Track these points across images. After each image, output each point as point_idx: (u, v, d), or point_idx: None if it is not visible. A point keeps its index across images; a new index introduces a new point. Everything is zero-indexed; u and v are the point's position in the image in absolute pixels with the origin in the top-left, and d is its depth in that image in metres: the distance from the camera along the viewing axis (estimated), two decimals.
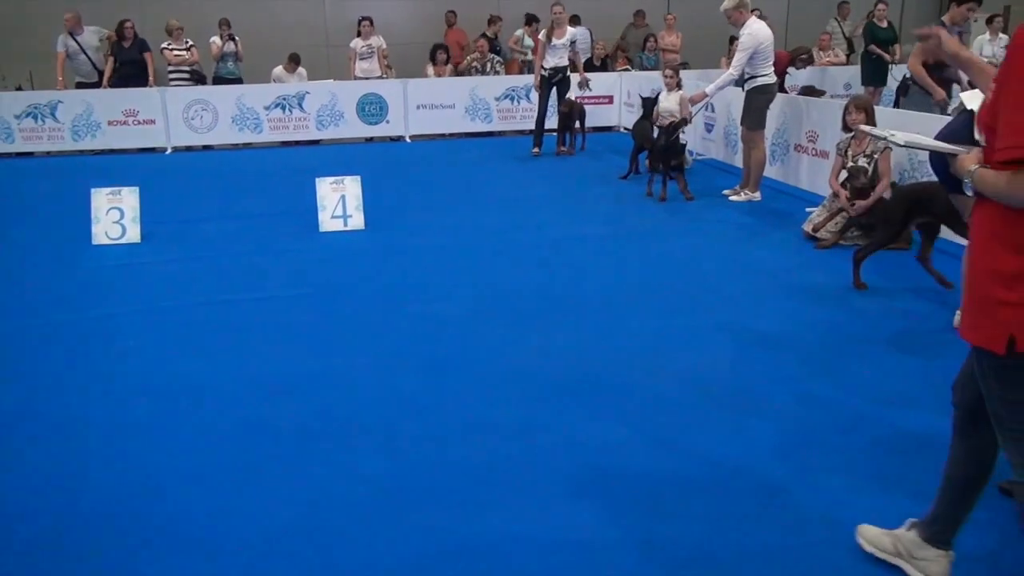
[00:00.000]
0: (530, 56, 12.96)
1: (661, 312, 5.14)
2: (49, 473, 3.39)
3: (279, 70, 12.75)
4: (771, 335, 4.73)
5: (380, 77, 12.78)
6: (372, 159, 10.95)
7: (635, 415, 3.80)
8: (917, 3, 17.26)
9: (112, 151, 11.86)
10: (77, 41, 11.72)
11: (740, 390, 4.04)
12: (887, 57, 11.18)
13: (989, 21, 12.57)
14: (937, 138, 4.81)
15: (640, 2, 15.11)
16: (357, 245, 6.84)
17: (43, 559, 2.85)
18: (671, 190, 8.30)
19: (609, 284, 5.70)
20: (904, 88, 7.42)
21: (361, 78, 12.66)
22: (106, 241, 6.95)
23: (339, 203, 7.23)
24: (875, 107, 6.93)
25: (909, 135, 2.74)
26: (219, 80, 12.59)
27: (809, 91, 10.50)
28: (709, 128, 10.49)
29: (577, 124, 11.17)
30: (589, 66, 12.93)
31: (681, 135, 8.21)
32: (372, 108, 12.42)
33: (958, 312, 4.42)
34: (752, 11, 7.98)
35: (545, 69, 10.69)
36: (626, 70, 13.82)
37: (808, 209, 7.25)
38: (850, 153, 6.50)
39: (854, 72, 12.46)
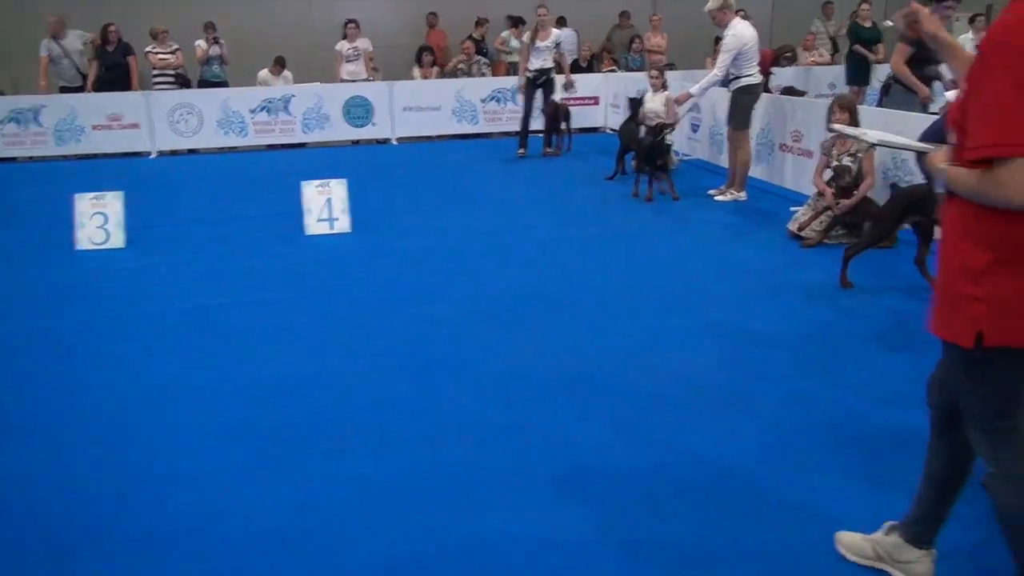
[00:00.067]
0: (516, 57, 12.97)
1: (650, 312, 5.15)
2: (42, 477, 3.38)
3: (265, 73, 12.71)
4: (760, 334, 4.74)
5: (366, 79, 12.77)
6: (358, 162, 10.93)
7: (628, 415, 3.80)
8: (900, 3, 17.32)
9: (96, 155, 11.78)
10: (61, 45, 11.66)
11: (733, 390, 4.04)
12: (871, 57, 11.23)
13: (972, 20, 12.64)
14: (922, 137, 4.85)
15: (625, 3, 15.14)
16: (344, 248, 6.82)
17: (42, 559, 2.85)
18: (657, 190, 8.31)
19: (597, 285, 5.70)
20: (887, 88, 7.46)
21: (347, 80, 12.64)
22: (90, 246, 6.91)
23: (325, 206, 7.21)
24: (859, 106, 6.96)
25: (881, 134, 2.76)
26: (204, 83, 12.55)
27: (790, 91, 10.54)
28: (695, 128, 10.52)
29: (563, 125, 11.19)
30: (575, 67, 12.95)
31: (667, 136, 8.23)
32: (358, 111, 12.40)
33: None
34: (737, 12, 8.02)
35: (530, 71, 10.71)
36: (612, 71, 13.85)
37: (793, 208, 7.27)
38: (835, 152, 6.53)
39: (839, 72, 12.50)
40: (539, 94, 10.81)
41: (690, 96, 8.39)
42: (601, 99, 13.25)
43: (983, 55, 2.00)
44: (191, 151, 12.25)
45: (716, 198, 8.28)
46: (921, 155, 2.30)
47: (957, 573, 2.65)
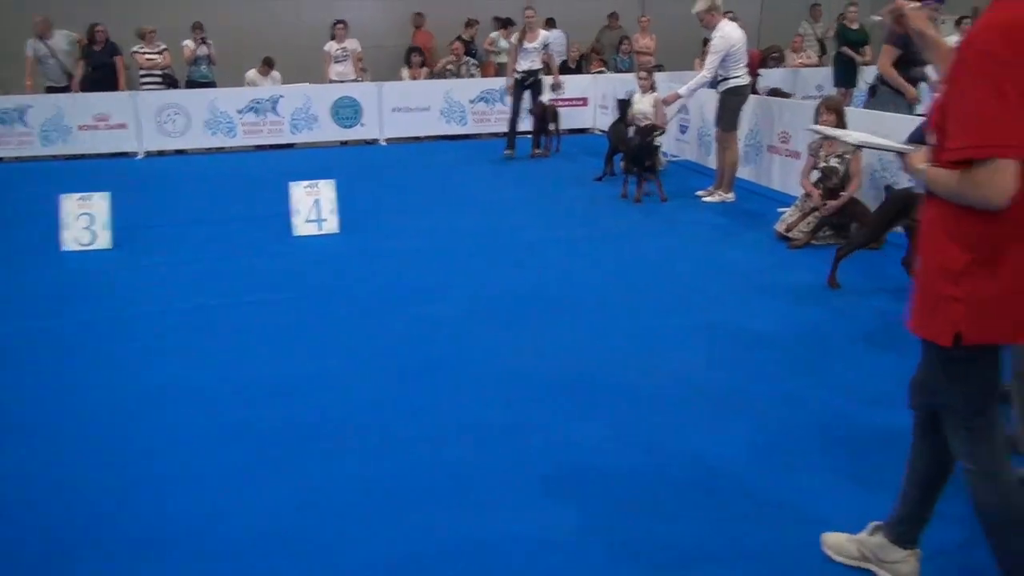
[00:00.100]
0: (504, 58, 12.99)
1: (640, 313, 5.19)
2: (42, 477, 3.38)
3: (253, 73, 12.67)
4: (750, 335, 4.79)
5: (355, 80, 12.76)
6: (347, 162, 10.92)
7: (626, 415, 3.84)
8: (886, 5, 17.44)
9: (83, 156, 11.72)
10: (47, 45, 11.58)
11: (730, 390, 4.09)
12: (858, 59, 11.32)
13: (958, 23, 12.74)
14: (909, 139, 4.90)
15: (614, 4, 15.20)
16: (332, 249, 6.82)
17: (42, 559, 2.85)
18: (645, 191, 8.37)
19: (586, 286, 5.74)
20: (873, 90, 7.52)
21: (336, 81, 12.62)
22: (76, 247, 6.88)
23: (313, 207, 7.22)
24: (847, 108, 7.03)
25: (863, 135, 2.80)
26: (192, 84, 12.50)
27: (776, 93, 10.61)
28: (683, 129, 10.58)
29: (552, 126, 11.22)
30: (564, 68, 12.98)
31: (656, 138, 8.27)
32: (346, 111, 12.40)
33: None
34: (725, 13, 8.07)
35: (518, 72, 10.74)
36: (601, 72, 13.89)
37: (780, 209, 7.34)
38: (822, 154, 6.60)
39: (826, 74, 12.60)
40: (527, 95, 10.85)
41: (678, 97, 8.43)
42: (590, 100, 13.30)
43: (963, 58, 2.03)
44: (179, 152, 12.20)
45: (704, 199, 8.33)
46: (900, 155, 2.34)
47: (942, 572, 2.69)
